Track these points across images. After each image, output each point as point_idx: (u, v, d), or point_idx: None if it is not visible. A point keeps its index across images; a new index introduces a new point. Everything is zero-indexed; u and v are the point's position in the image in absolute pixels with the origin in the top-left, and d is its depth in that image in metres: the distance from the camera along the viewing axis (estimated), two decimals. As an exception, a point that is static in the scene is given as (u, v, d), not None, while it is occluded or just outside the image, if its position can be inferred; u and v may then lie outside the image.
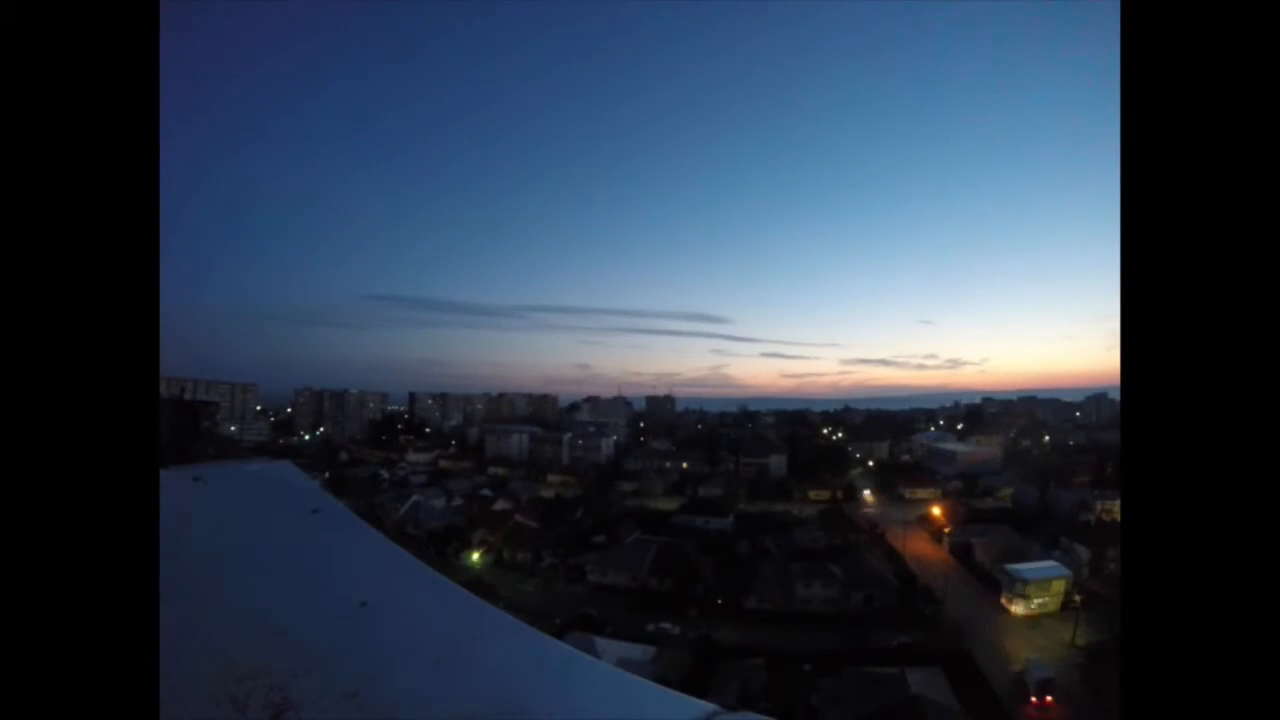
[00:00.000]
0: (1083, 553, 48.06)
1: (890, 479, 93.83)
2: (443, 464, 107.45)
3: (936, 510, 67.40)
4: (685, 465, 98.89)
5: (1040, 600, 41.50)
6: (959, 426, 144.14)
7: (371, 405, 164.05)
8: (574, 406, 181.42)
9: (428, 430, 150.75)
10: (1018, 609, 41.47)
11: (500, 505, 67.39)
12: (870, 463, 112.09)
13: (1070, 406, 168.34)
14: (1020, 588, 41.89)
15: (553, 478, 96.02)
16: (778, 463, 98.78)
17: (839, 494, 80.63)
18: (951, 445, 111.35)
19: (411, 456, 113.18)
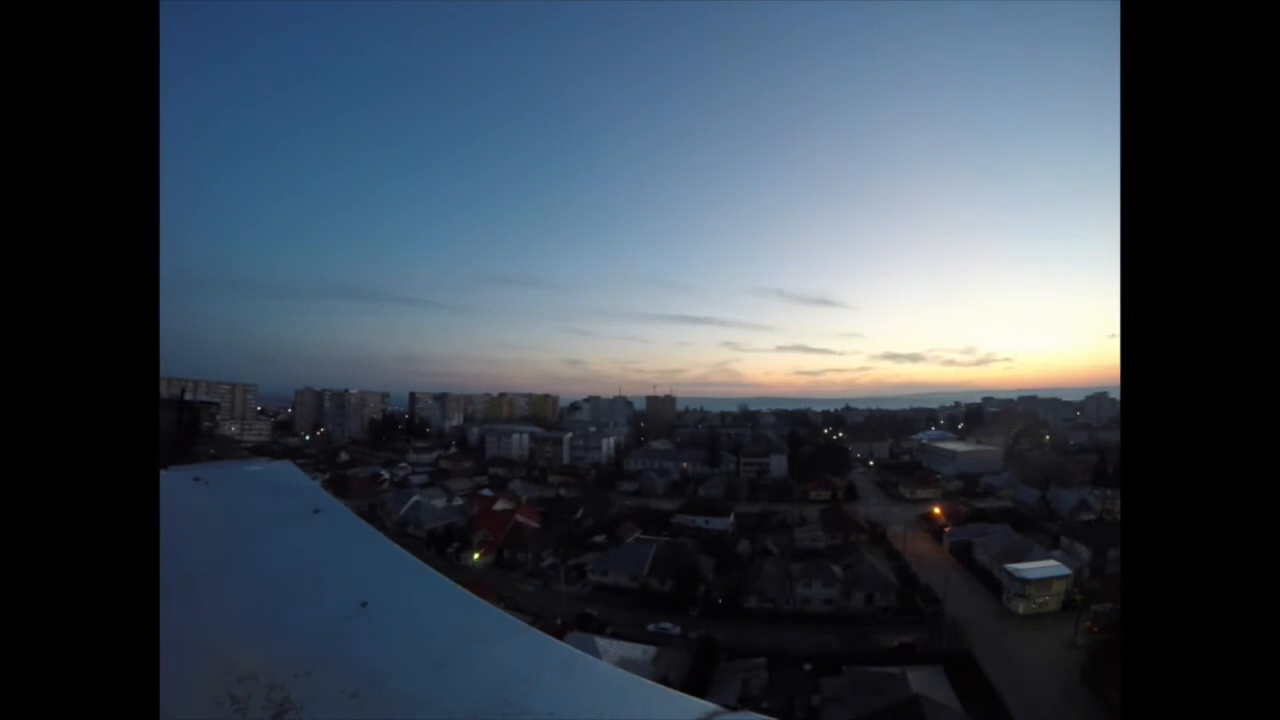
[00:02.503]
0: (1083, 552, 48.03)
1: (891, 479, 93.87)
2: (443, 464, 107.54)
3: (937, 510, 67.37)
4: (685, 465, 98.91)
5: (1041, 600, 41.49)
6: (959, 426, 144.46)
7: (371, 405, 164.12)
8: (574, 406, 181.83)
9: (428, 430, 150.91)
10: (1018, 608, 41.45)
11: (500, 505, 67.38)
12: (871, 462, 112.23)
13: (1071, 406, 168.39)
14: (1021, 587, 41.88)
15: (553, 478, 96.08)
16: (778, 462, 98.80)
17: (839, 494, 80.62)
18: (952, 445, 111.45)
19: (412, 456, 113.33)
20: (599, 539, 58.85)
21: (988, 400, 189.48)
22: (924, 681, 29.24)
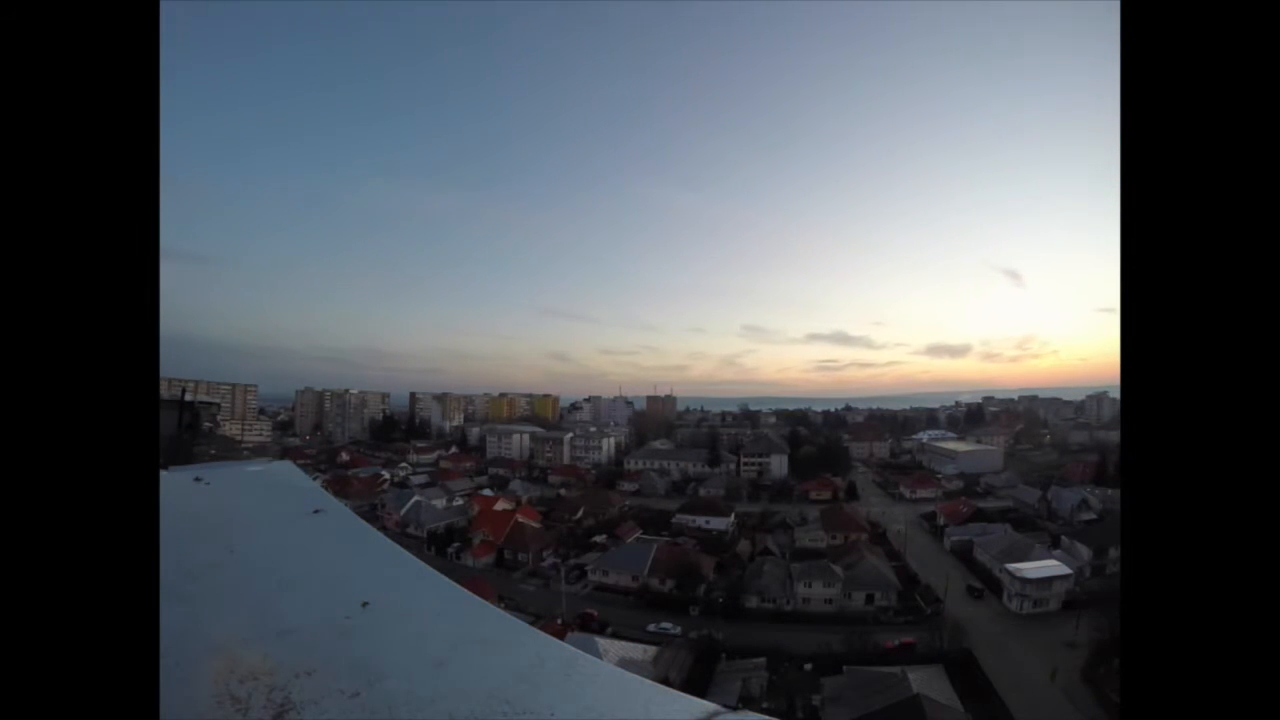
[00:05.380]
0: (1084, 552, 48.04)
1: (891, 478, 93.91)
2: (443, 464, 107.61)
3: (937, 510, 67.40)
4: (686, 465, 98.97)
5: (1041, 599, 41.51)
6: (959, 426, 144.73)
7: (371, 405, 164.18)
8: (574, 406, 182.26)
9: (428, 430, 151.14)
10: (1018, 608, 41.46)
11: (500, 505, 67.41)
12: (872, 462, 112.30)
13: (1071, 405, 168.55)
14: (1021, 587, 41.88)
15: (553, 478, 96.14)
16: (779, 462, 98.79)
17: (840, 493, 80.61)
18: (952, 444, 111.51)
19: (412, 457, 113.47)
20: (599, 539, 58.87)
21: (988, 400, 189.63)
22: (925, 681, 29.27)
